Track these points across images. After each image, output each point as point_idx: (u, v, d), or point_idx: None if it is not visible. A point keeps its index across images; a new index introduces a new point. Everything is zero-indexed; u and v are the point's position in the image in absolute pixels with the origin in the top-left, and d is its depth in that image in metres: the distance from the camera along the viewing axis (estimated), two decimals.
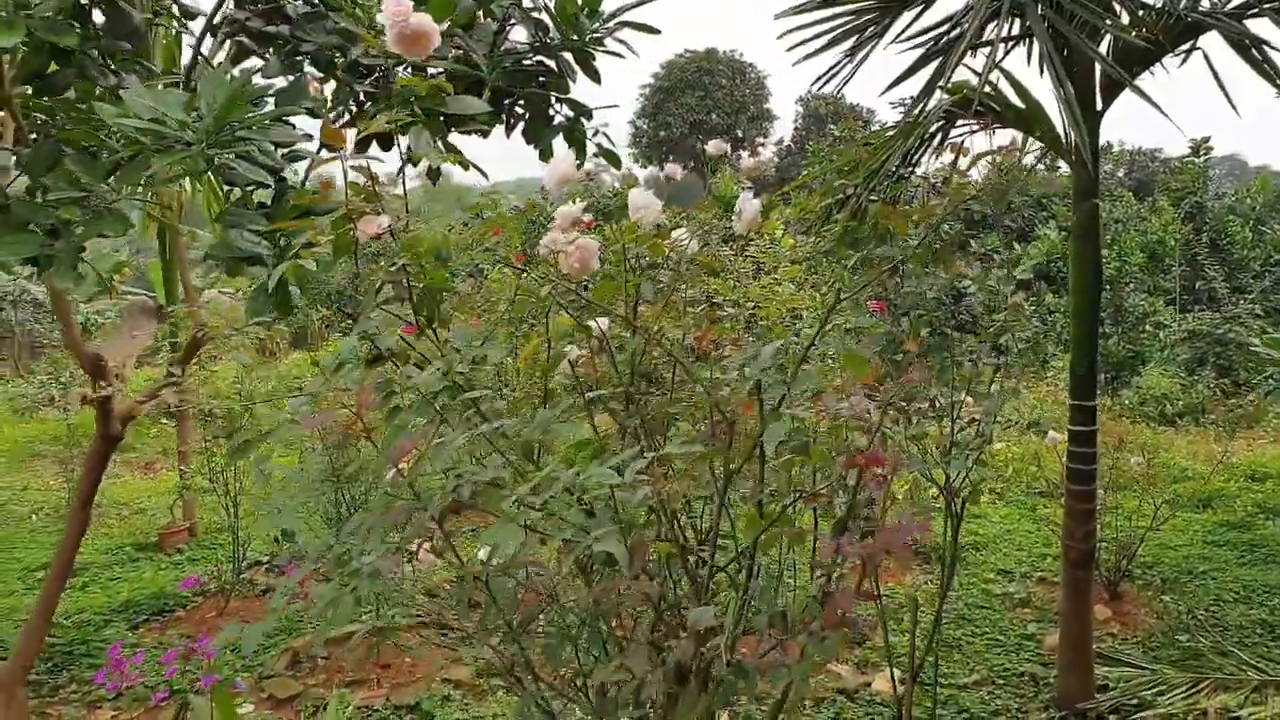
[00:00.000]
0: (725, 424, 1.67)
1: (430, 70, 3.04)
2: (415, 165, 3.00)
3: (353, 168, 1.62)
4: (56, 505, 8.03)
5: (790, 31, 3.81)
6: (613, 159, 3.43)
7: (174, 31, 4.66)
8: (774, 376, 1.65)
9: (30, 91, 2.51)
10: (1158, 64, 3.63)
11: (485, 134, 3.36)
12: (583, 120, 3.33)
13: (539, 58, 3.28)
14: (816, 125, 33.43)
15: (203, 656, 3.59)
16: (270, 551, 6.21)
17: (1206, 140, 17.28)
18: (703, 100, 35.82)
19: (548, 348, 1.95)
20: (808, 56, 3.78)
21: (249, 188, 2.44)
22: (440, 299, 1.71)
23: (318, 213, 2.44)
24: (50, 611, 3.64)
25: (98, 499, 7.61)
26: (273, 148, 2.30)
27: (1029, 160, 4.01)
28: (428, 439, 1.45)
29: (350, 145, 1.83)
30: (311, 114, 2.95)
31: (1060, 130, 3.50)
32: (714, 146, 2.09)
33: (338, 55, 2.90)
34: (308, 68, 2.82)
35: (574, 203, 1.78)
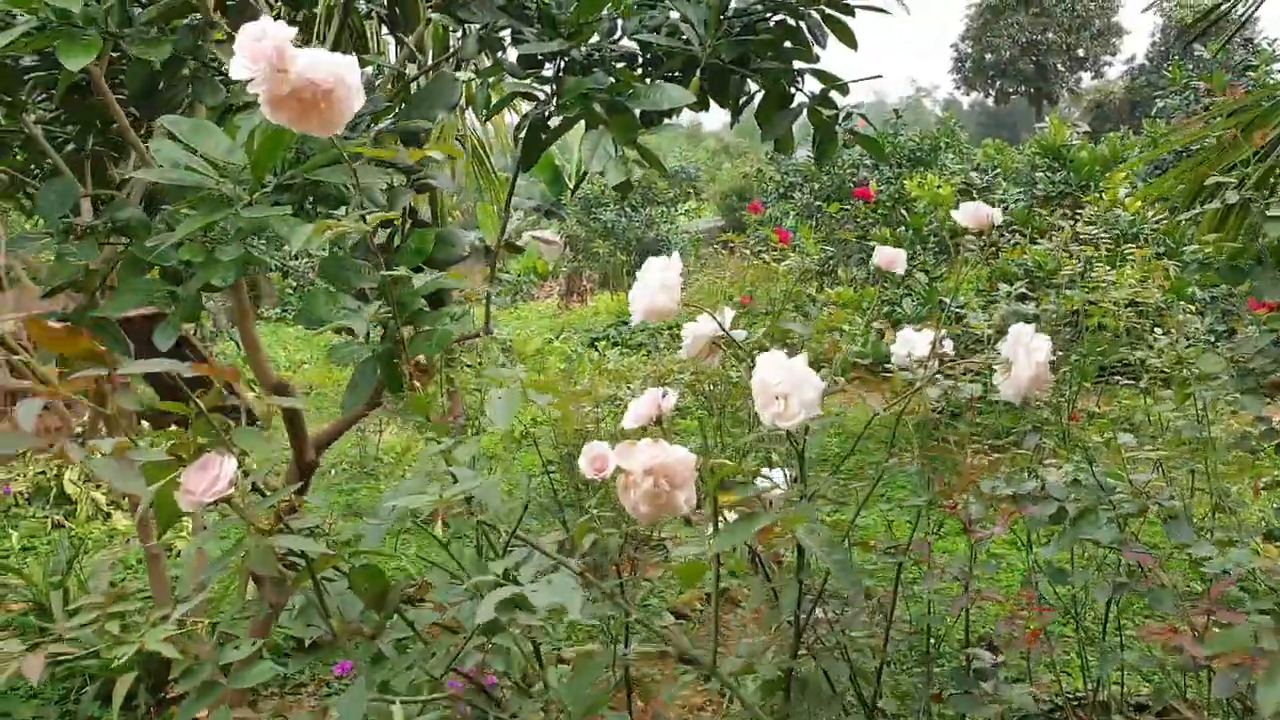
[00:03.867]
0: None
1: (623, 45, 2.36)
2: (604, 177, 2.36)
3: None
4: (361, 459, 8.38)
5: None
6: (875, 147, 2.58)
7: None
8: None
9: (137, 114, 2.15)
10: None
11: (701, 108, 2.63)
12: (833, 98, 2.49)
13: (779, 17, 2.49)
14: (1180, 36, 28.77)
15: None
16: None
17: None
18: (1037, 17, 32.05)
19: None
20: None
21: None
22: None
23: (446, 260, 1.89)
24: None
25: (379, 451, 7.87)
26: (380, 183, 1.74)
27: None
28: None
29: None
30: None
31: None
32: (884, 259, 1.24)
33: (510, 35, 2.29)
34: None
35: (720, 313, 1.04)
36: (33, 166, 2.92)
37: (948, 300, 7.74)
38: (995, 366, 1.01)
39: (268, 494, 0.85)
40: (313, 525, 0.89)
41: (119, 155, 2.91)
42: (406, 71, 3.54)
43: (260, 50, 0.86)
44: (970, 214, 1.20)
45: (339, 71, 0.89)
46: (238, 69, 0.87)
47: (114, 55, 2.17)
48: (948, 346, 1.14)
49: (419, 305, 1.79)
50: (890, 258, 1.23)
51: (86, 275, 2.28)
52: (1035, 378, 0.98)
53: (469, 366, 7.68)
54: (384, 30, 4.53)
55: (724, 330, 1.03)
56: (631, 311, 1.02)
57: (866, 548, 1.30)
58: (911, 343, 1.15)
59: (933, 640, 1.87)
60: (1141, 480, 2.13)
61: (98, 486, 6.41)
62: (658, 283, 0.99)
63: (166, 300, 2.07)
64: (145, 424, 7.92)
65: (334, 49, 2.56)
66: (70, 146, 2.79)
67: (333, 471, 7.72)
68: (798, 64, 2.49)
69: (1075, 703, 2.94)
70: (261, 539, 0.83)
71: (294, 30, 0.86)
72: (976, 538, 1.57)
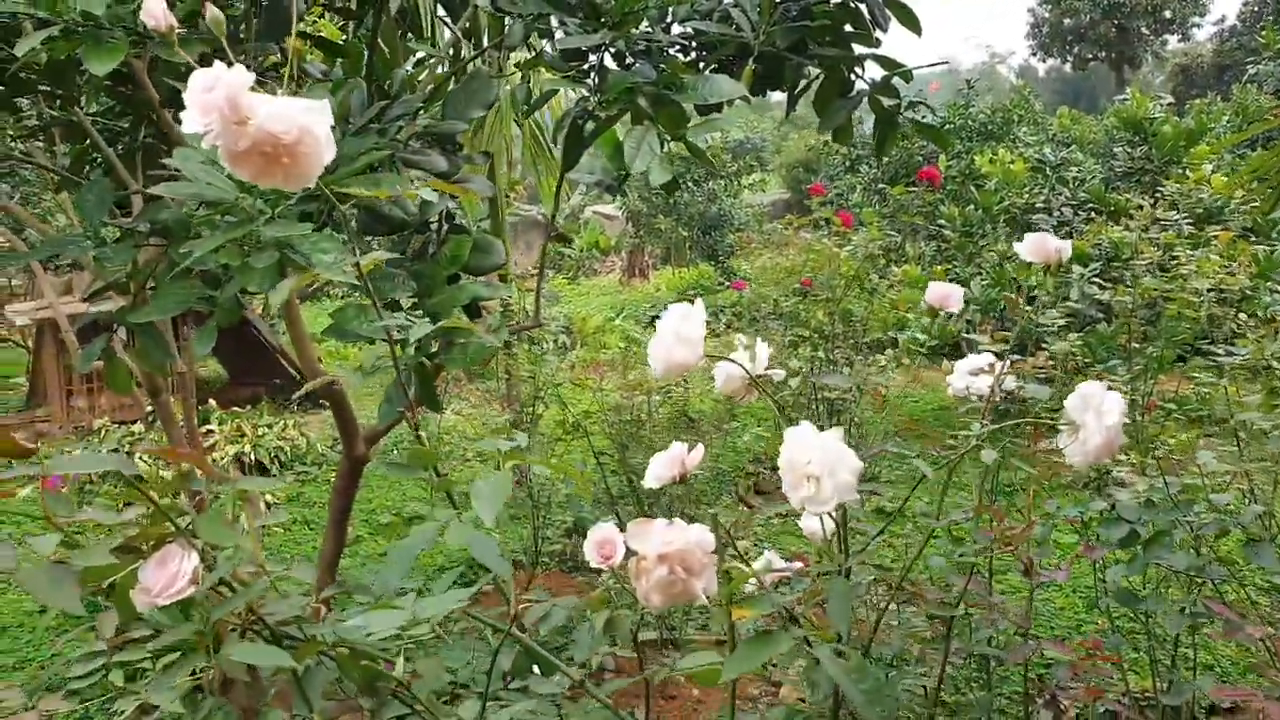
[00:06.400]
0: None
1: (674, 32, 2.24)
2: (648, 176, 2.25)
3: None
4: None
5: None
6: (941, 139, 2.43)
7: None
8: None
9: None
10: None
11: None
12: (896, 85, 2.35)
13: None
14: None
15: None
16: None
17: None
18: None
19: None
20: None
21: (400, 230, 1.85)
22: None
23: (483, 268, 1.81)
24: None
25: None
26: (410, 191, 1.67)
27: None
28: None
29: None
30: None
31: None
32: (936, 296, 1.12)
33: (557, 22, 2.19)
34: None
35: (754, 351, 0.94)
36: (92, 155, 2.92)
37: (1019, 281, 7.47)
38: (1061, 427, 0.89)
39: (238, 589, 0.79)
40: (296, 612, 0.82)
41: (170, 149, 2.89)
42: (462, 53, 3.46)
43: (211, 101, 0.77)
44: (1036, 248, 1.07)
45: (304, 122, 0.80)
46: (189, 123, 0.80)
47: None
48: (1009, 383, 1.03)
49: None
50: (943, 295, 1.11)
51: (129, 276, 2.27)
52: (1106, 444, 0.87)
53: (533, 344, 7.66)
54: (438, 9, 4.47)
55: (749, 374, 0.93)
56: (650, 365, 0.93)
57: (918, 596, 1.21)
58: (970, 380, 1.04)
59: (1004, 682, 1.77)
60: (1222, 500, 1.98)
61: (168, 465, 6.54)
62: (674, 335, 0.89)
63: (206, 305, 2.04)
64: (212, 402, 8.00)
65: (372, 33, 2.50)
66: (126, 138, 2.79)
67: (394, 452, 7.79)
68: (858, 49, 2.35)
69: (1143, 704, 2.79)
70: (224, 645, 0.77)
71: (251, 76, 0.77)
72: (1037, 582, 1.46)
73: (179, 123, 2.36)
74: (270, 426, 7.49)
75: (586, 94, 2.09)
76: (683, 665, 0.90)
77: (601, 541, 0.88)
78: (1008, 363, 1.13)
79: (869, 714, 0.71)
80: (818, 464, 0.81)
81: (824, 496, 0.81)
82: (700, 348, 0.88)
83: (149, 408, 7.50)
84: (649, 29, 2.27)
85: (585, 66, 2.13)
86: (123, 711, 1.05)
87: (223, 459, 7.09)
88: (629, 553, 0.82)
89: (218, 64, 0.78)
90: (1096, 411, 0.86)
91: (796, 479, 0.82)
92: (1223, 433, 4.19)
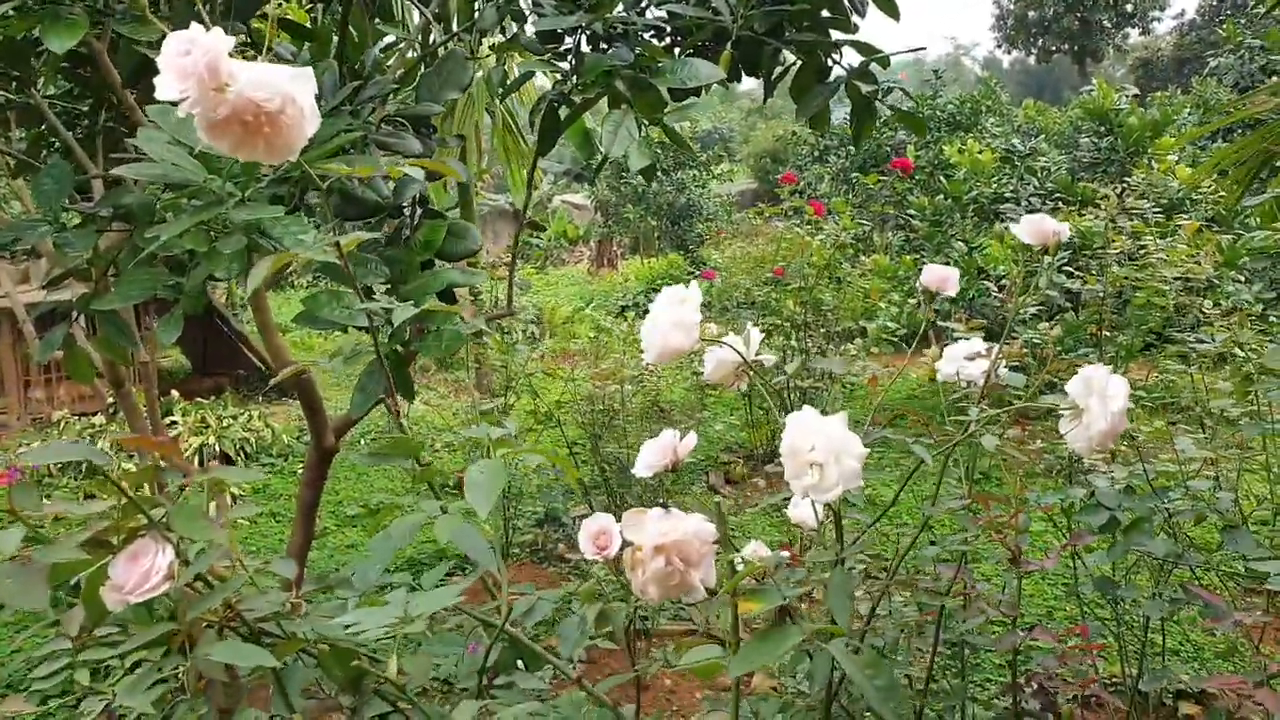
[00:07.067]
0: None
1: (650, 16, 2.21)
2: (626, 161, 2.22)
3: None
4: (390, 430, 8.36)
5: None
6: (917, 126, 2.42)
7: None
8: None
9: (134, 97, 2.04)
10: None
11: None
12: (872, 71, 2.33)
13: None
14: None
15: None
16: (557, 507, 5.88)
17: None
18: None
19: None
20: None
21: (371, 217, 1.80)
22: None
23: (457, 254, 1.77)
24: None
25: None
26: (382, 178, 1.63)
27: None
28: None
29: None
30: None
31: None
32: (933, 279, 1.10)
33: (531, 5, 2.15)
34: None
35: (747, 337, 0.92)
36: (49, 140, 2.83)
37: (986, 270, 7.52)
38: (1062, 411, 0.87)
39: (215, 585, 0.75)
40: (276, 607, 0.78)
41: (133, 132, 2.81)
42: (432, 38, 3.40)
43: (188, 66, 0.73)
44: (1033, 229, 1.05)
45: (288, 89, 0.76)
46: (164, 89, 0.75)
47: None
48: (1003, 372, 1.02)
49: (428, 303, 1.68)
50: (941, 278, 1.09)
51: (91, 262, 2.20)
52: (1111, 429, 0.85)
53: (504, 334, 7.57)
54: None
55: (744, 359, 0.91)
56: (644, 350, 0.90)
57: (909, 585, 1.20)
58: (960, 363, 1.03)
59: (975, 670, 1.76)
60: (1197, 487, 1.99)
61: (130, 457, 6.40)
62: (671, 321, 0.86)
63: (171, 292, 1.98)
64: (175, 393, 7.85)
65: (342, 16, 2.44)
66: (86, 121, 2.70)
67: (362, 443, 7.70)
68: (835, 34, 2.33)
69: (1111, 688, 2.81)
70: (200, 644, 0.73)
71: (232, 40, 0.73)
72: (1025, 570, 1.46)
73: (141, 104, 2.30)
74: (235, 418, 7.37)
75: (563, 77, 2.05)
76: (683, 662, 0.87)
77: (597, 532, 0.86)
78: (997, 349, 1.11)
79: (884, 709, 0.69)
80: (822, 450, 0.78)
81: (828, 483, 0.78)
82: (696, 332, 0.86)
83: (110, 399, 7.35)
84: (625, 12, 2.23)
85: (562, 49, 2.10)
86: (89, 712, 1.01)
87: (187, 451, 6.97)
88: (624, 543, 0.80)
89: (194, 26, 0.73)
90: (1101, 395, 0.84)
91: (799, 466, 0.79)
92: (1187, 419, 4.24)
